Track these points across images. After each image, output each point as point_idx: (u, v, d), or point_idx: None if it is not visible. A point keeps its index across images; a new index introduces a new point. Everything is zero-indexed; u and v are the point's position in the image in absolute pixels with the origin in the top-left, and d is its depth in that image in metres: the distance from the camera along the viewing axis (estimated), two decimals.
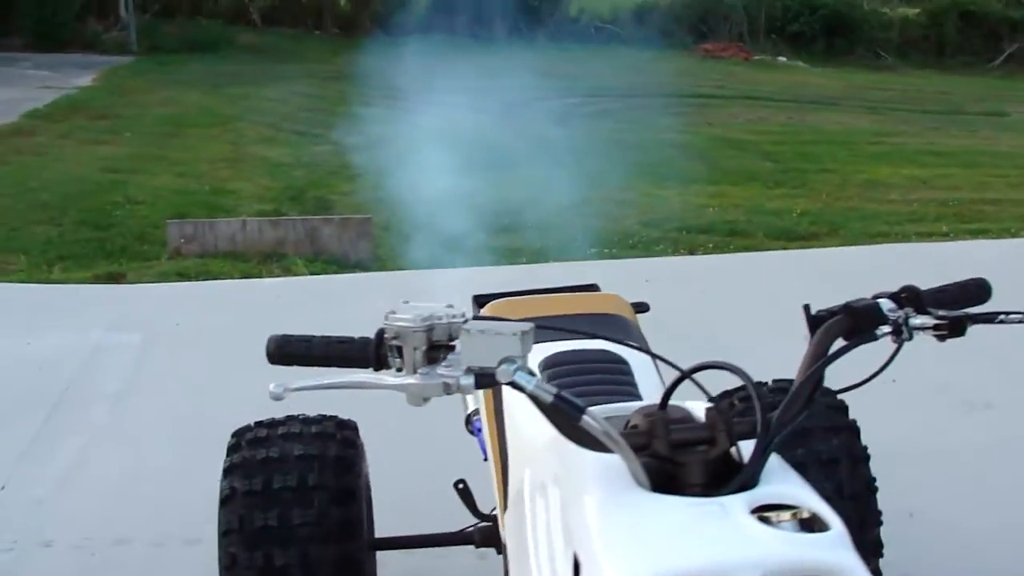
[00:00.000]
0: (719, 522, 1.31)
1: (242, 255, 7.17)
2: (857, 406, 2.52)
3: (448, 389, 1.45)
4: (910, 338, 1.65)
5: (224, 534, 2.40)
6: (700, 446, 1.45)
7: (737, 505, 1.34)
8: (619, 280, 6.79)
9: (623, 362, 2.30)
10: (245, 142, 12.84)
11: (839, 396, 2.69)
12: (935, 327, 1.65)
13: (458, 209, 9.22)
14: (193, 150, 12.12)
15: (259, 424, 2.59)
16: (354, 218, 7.43)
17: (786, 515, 1.34)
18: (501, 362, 1.42)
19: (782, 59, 24.22)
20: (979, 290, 1.78)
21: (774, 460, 1.48)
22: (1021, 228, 8.26)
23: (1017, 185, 10.45)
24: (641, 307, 2.71)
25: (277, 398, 1.46)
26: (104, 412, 4.36)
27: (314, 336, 1.58)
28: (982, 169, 11.39)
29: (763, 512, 1.34)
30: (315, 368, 1.56)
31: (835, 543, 1.29)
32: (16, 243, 7.63)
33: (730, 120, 15.30)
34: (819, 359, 1.59)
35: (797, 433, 2.53)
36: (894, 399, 3.61)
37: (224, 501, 2.42)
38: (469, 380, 1.45)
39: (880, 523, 2.54)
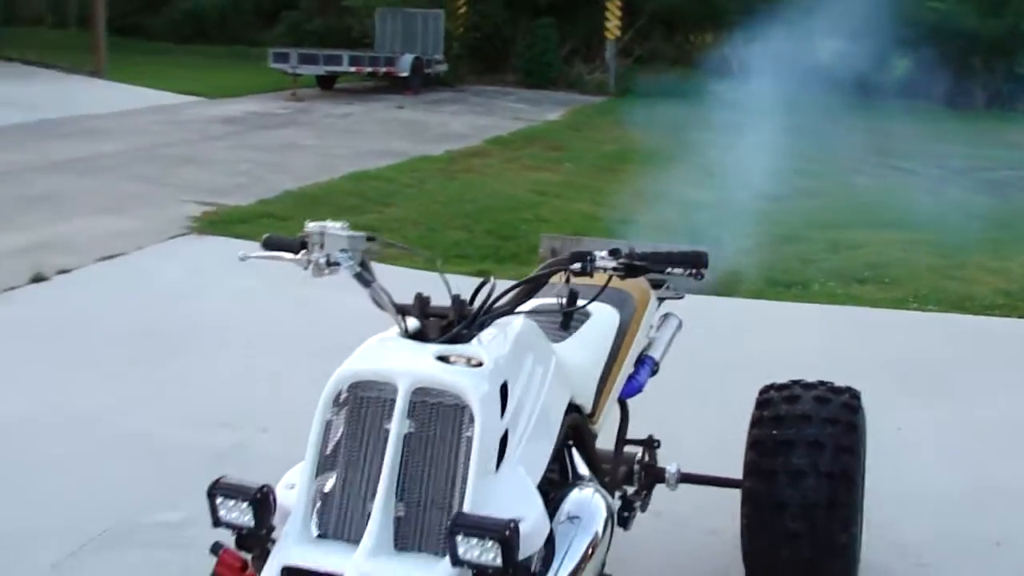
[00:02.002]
0: (409, 352, 2.10)
1: None
2: None
3: (309, 265, 2.36)
4: (591, 273, 2.34)
5: None
6: (440, 317, 2.23)
7: (431, 348, 2.11)
8: (869, 322, 7.15)
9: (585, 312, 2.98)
10: (675, 183, 13.83)
11: (853, 395, 3.22)
12: (614, 268, 2.30)
13: (823, 258, 9.66)
14: (621, 184, 13.25)
15: None
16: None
17: (462, 359, 2.08)
18: (339, 251, 2.30)
19: None
20: (696, 256, 2.35)
21: (497, 335, 2.23)
22: None
23: None
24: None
25: (242, 260, 2.46)
26: None
27: (285, 237, 2.53)
28: None
29: (453, 357, 2.09)
30: None
31: (472, 375, 2.02)
32: (429, 241, 9.15)
33: None
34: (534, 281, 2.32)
35: (800, 416, 3.12)
36: None
37: None
38: (323, 260, 2.34)
39: (851, 503, 3.04)
